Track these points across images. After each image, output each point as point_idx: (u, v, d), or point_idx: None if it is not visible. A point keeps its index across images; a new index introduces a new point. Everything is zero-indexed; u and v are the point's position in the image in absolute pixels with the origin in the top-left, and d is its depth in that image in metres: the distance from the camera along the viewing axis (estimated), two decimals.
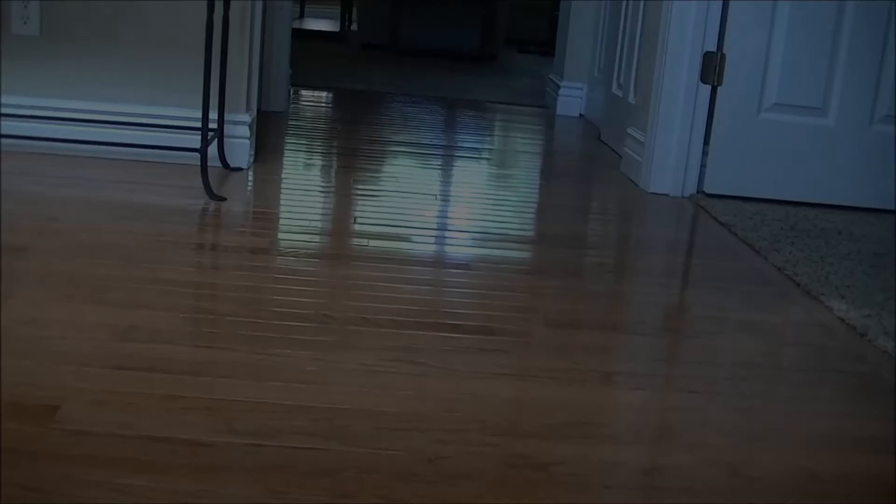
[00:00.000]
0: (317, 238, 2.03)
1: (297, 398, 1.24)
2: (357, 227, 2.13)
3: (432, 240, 2.14)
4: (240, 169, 2.59)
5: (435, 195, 2.56)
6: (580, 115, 4.48)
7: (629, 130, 3.09)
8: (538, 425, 1.23)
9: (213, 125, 2.45)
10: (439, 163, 3.06)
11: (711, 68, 2.76)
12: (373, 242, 2.01)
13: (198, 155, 2.29)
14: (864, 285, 1.99)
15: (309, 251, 1.92)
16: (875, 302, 1.88)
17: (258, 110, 3.07)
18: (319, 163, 2.92)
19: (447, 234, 2.21)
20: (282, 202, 2.33)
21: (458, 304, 1.67)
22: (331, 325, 1.51)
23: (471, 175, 2.96)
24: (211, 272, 1.78)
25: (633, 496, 1.08)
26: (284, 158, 2.85)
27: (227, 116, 2.53)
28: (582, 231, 2.34)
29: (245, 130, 2.60)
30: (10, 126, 2.51)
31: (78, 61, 2.55)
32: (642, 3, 3.29)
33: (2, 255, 1.69)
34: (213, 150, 2.47)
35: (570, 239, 2.23)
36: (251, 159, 2.68)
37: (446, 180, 2.88)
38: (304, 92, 4.33)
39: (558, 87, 4.47)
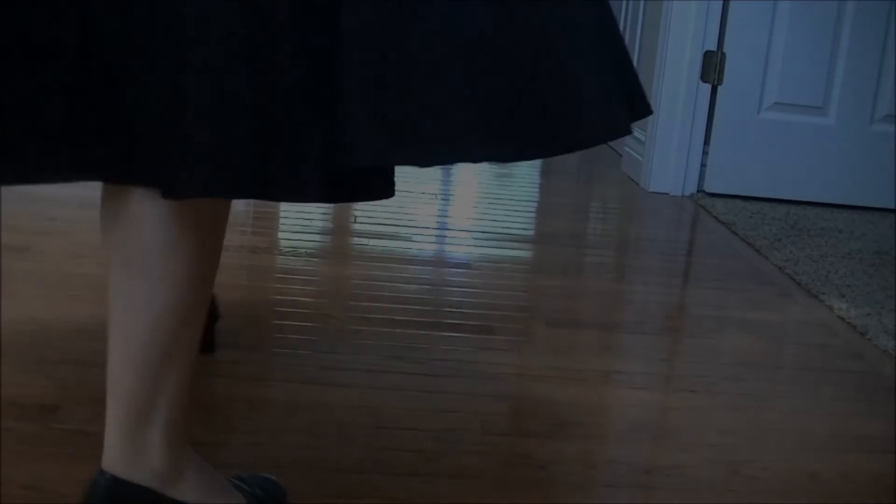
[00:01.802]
0: (317, 237, 2.03)
1: (297, 397, 1.24)
2: (357, 226, 2.13)
3: (433, 239, 2.14)
4: None
5: (435, 194, 2.56)
6: None
7: None
8: (538, 424, 1.23)
9: None
10: None
11: (712, 67, 2.76)
12: (373, 241, 2.02)
13: None
14: (864, 284, 1.99)
15: (309, 250, 1.92)
16: (875, 301, 1.88)
17: None
18: None
19: (448, 233, 2.21)
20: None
21: (458, 303, 1.67)
22: (331, 324, 1.51)
23: (471, 174, 2.96)
24: None
25: (633, 495, 1.08)
26: None
27: None
28: (582, 230, 2.34)
29: None
30: None
31: None
32: (642, 2, 3.29)
33: (2, 255, 1.69)
34: None
35: (571, 238, 2.23)
36: None
37: (447, 179, 2.88)
38: None
39: None
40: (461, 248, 2.06)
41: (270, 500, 0.95)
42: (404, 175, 2.82)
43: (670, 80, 2.79)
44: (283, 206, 2.29)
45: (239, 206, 2.23)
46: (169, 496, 0.80)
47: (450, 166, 3.03)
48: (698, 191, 2.85)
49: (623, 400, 1.34)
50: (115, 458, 0.78)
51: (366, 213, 2.27)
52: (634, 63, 3.31)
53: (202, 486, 0.83)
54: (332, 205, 2.36)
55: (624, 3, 3.67)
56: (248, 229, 2.05)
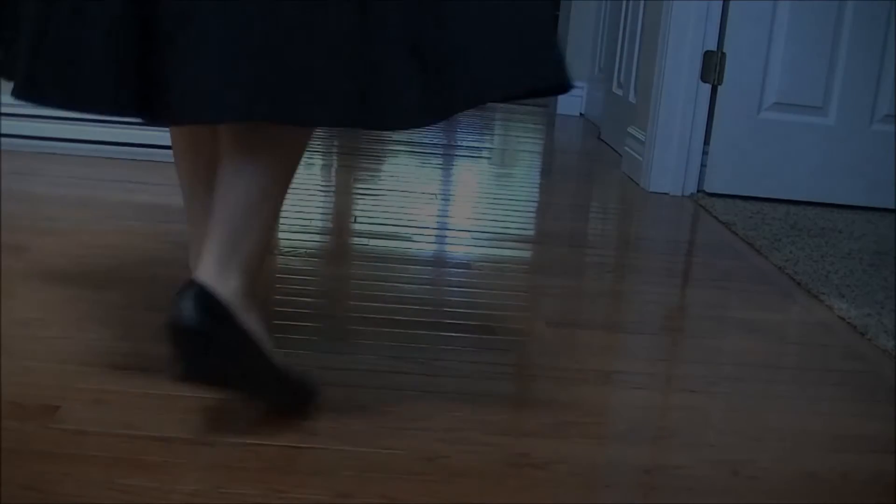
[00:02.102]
0: (317, 237, 2.03)
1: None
2: (357, 226, 2.13)
3: (433, 239, 2.14)
4: None
5: (435, 194, 2.56)
6: (580, 114, 4.48)
7: (629, 129, 3.09)
8: (539, 424, 1.23)
9: None
10: (440, 161, 3.06)
11: (711, 67, 2.76)
12: (373, 241, 2.02)
13: None
14: (864, 284, 1.99)
15: (309, 250, 1.92)
16: (875, 301, 1.88)
17: None
18: (319, 161, 2.92)
19: (448, 233, 2.22)
20: None
21: (458, 302, 1.67)
22: (331, 325, 1.51)
23: (471, 174, 2.96)
24: None
25: (633, 495, 1.08)
26: None
27: None
28: (582, 230, 2.34)
29: None
30: (10, 126, 2.51)
31: None
32: (642, 2, 3.29)
33: (2, 255, 1.69)
34: None
35: (571, 238, 2.23)
36: None
37: (447, 179, 2.88)
38: None
39: None
40: (461, 248, 2.06)
41: (305, 387, 1.19)
42: (404, 175, 2.82)
43: (670, 80, 2.79)
44: (283, 206, 2.29)
45: None
46: (238, 319, 1.06)
47: (450, 165, 3.03)
48: (698, 191, 2.85)
49: (623, 400, 1.34)
50: (208, 273, 1.05)
51: (366, 212, 2.27)
52: (634, 62, 3.31)
53: (261, 330, 1.10)
54: (332, 204, 2.36)
55: (624, 3, 3.67)
56: None
